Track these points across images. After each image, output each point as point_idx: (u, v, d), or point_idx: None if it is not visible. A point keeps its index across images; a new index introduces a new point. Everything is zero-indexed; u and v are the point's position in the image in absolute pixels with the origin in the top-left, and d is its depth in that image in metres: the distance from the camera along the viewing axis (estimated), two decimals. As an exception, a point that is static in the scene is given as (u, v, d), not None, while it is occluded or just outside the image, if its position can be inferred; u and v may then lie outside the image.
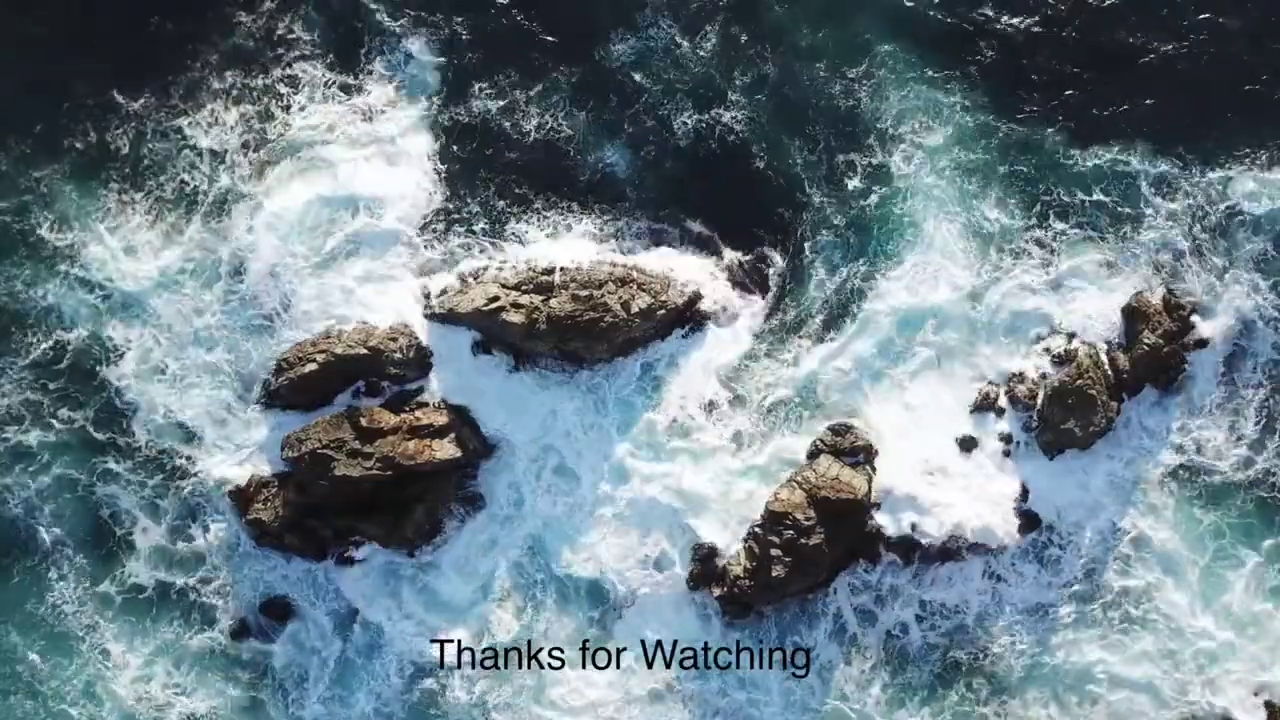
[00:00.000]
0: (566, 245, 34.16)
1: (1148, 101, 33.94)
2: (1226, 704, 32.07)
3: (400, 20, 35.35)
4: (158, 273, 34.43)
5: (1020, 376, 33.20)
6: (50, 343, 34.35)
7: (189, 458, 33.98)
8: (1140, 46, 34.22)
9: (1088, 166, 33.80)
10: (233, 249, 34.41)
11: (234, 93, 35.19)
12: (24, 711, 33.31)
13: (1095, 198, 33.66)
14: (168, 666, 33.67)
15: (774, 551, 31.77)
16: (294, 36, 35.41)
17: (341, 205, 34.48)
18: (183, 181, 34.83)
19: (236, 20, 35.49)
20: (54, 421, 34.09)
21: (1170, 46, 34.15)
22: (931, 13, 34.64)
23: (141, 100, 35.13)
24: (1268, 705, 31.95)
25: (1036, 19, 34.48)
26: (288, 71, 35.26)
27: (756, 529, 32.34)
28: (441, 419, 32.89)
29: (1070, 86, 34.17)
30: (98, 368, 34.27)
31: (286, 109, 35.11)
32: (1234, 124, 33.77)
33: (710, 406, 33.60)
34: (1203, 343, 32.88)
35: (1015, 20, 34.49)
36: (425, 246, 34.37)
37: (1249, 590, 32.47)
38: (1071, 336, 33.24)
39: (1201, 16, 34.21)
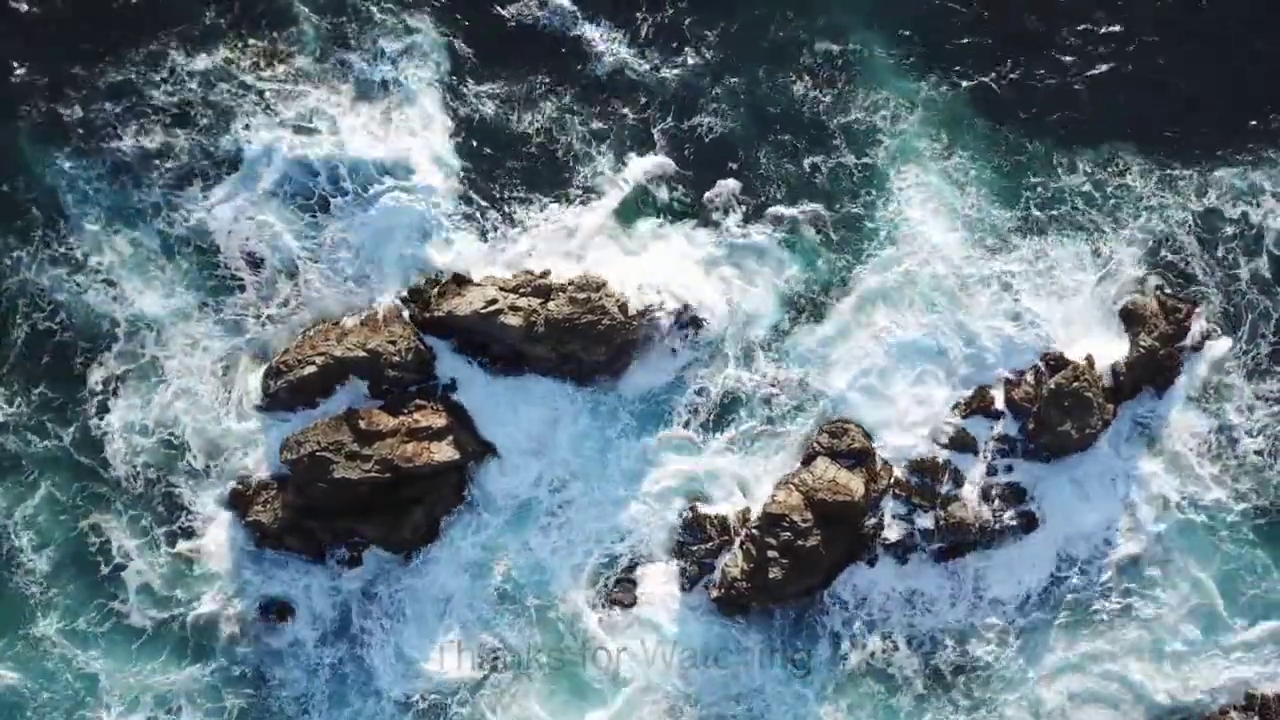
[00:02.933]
0: (565, 244, 34.20)
1: (1135, 100, 34.04)
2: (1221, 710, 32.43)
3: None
4: (131, 249, 34.06)
5: (1017, 378, 33.31)
6: (27, 329, 33.81)
7: (179, 460, 33.83)
8: (1125, 44, 34.26)
9: (1074, 163, 33.84)
10: (212, 225, 34.10)
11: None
12: None
13: (1081, 195, 33.70)
14: (160, 691, 33.37)
15: (771, 553, 31.90)
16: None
17: (330, 183, 34.31)
18: (165, 147, 34.33)
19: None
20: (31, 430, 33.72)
21: (1154, 43, 34.25)
22: (913, 11, 34.66)
23: (119, 62, 34.37)
24: (1261, 701, 32.24)
25: (1020, 18, 34.51)
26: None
27: (754, 530, 32.46)
28: (440, 421, 32.92)
29: (1056, 83, 34.19)
30: (80, 362, 33.88)
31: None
32: (1222, 124, 33.87)
33: (708, 408, 33.73)
34: (1198, 345, 33.08)
35: (1000, 18, 34.52)
36: (423, 239, 34.30)
37: (1246, 591, 32.72)
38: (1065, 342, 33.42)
39: (1188, 15, 34.32)
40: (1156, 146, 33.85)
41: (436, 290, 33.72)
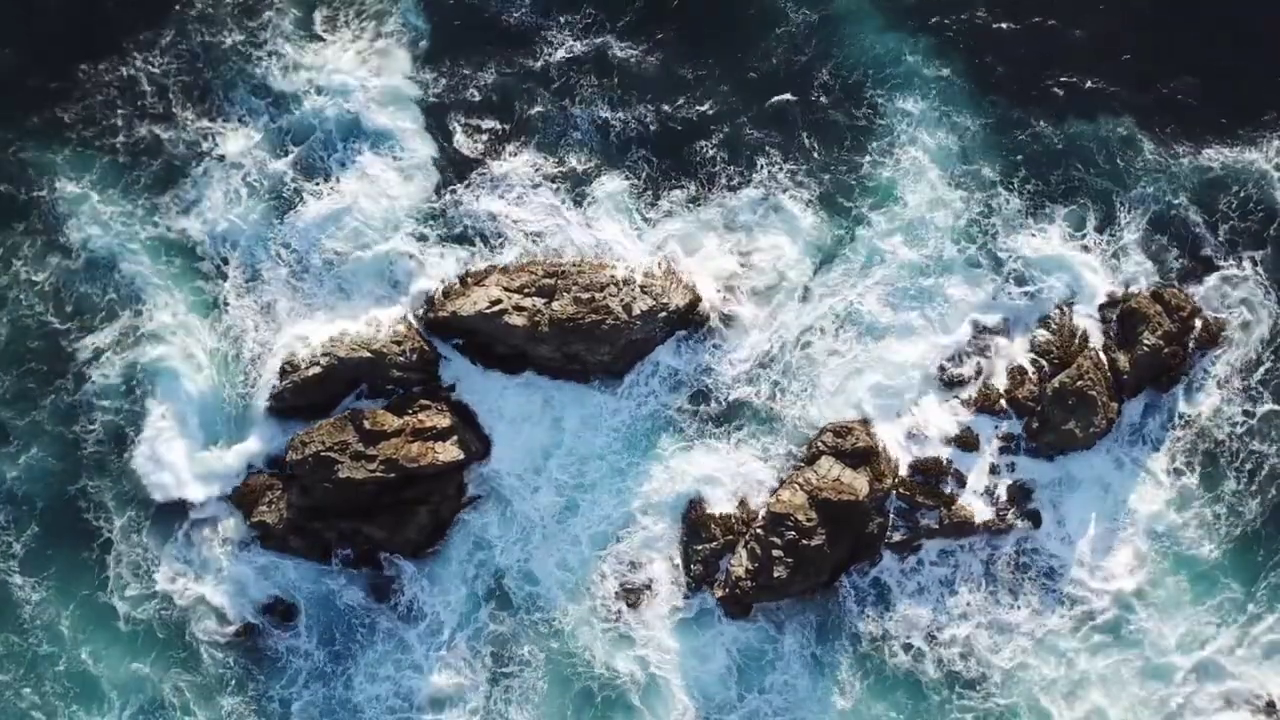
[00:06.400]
0: (562, 238, 34.28)
1: (1131, 78, 33.96)
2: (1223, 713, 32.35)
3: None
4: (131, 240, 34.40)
5: (1021, 377, 33.29)
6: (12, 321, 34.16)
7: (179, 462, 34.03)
8: (1121, 22, 34.29)
9: (1071, 128, 33.78)
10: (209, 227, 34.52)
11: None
12: None
13: (1076, 171, 33.67)
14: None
15: (775, 552, 31.89)
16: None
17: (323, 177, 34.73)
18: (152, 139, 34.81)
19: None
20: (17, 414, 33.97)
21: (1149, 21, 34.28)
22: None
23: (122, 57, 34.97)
24: (1268, 705, 32.18)
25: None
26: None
27: (758, 530, 32.46)
28: (444, 421, 32.98)
29: (1055, 58, 34.18)
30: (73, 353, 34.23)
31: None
32: (1221, 105, 33.75)
33: (710, 407, 33.75)
34: (1201, 343, 33.07)
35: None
36: (423, 240, 34.40)
37: (1245, 595, 32.69)
38: (1064, 325, 33.31)
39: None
40: (1157, 115, 33.66)
41: (442, 289, 33.85)
